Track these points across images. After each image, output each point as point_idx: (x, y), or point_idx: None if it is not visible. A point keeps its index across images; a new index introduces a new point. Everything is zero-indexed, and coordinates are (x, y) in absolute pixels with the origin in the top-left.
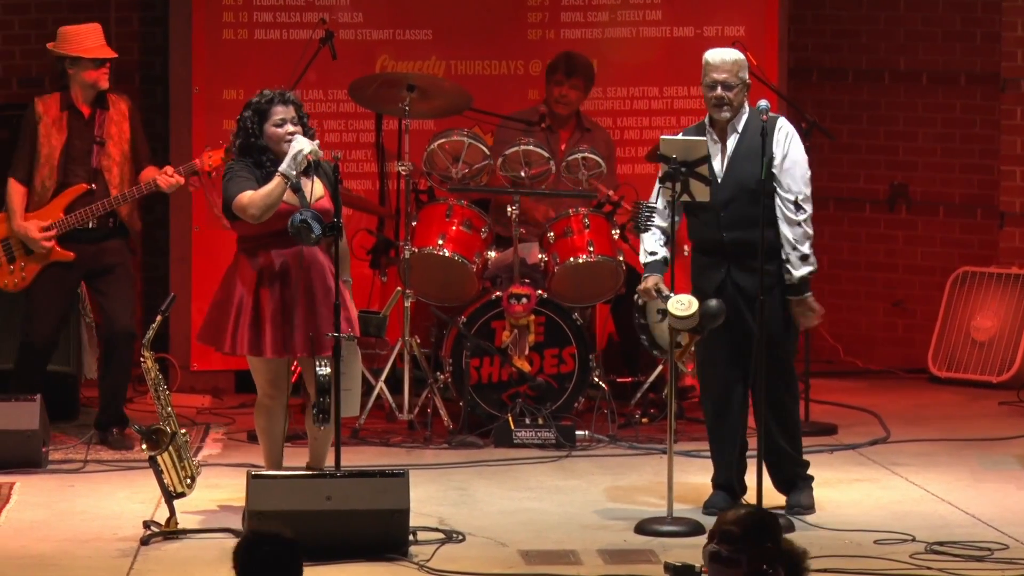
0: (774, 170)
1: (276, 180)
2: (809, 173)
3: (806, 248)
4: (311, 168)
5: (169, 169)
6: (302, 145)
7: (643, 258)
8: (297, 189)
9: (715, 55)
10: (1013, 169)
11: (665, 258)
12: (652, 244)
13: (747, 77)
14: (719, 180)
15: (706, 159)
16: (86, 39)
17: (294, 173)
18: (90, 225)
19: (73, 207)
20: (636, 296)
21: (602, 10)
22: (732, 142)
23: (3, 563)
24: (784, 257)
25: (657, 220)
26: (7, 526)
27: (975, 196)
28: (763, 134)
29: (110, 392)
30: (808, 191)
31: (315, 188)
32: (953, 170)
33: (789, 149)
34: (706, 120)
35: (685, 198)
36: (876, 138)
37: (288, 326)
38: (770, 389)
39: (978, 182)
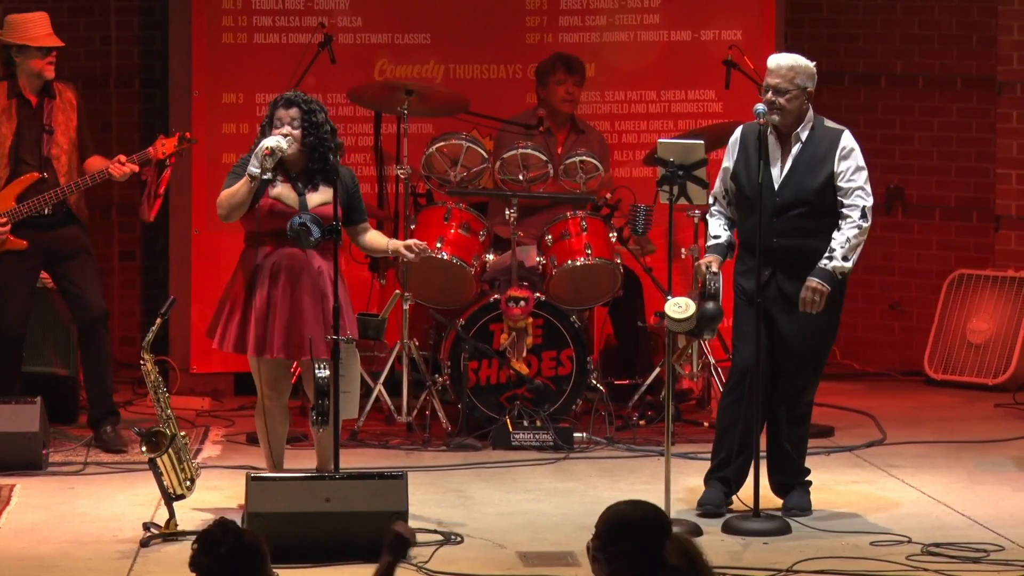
0: (838, 183)
1: (243, 180)
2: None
3: (856, 252)
4: (313, 181)
5: (122, 157)
6: (264, 142)
7: (708, 241)
8: (299, 194)
9: (773, 59)
10: (1009, 172)
11: (729, 241)
12: (716, 228)
13: (807, 84)
14: (775, 187)
15: (704, 162)
16: (33, 28)
17: (257, 171)
18: (45, 212)
19: (25, 196)
20: (698, 266)
21: (600, 14)
22: (795, 151)
23: (3, 565)
24: (833, 248)
25: (719, 207)
26: (7, 528)
27: (971, 199)
28: (760, 138)
29: (96, 383)
30: (871, 202)
31: (320, 197)
32: (949, 173)
33: (853, 164)
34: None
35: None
36: (873, 141)
37: (270, 326)
38: (794, 396)
39: (974, 185)
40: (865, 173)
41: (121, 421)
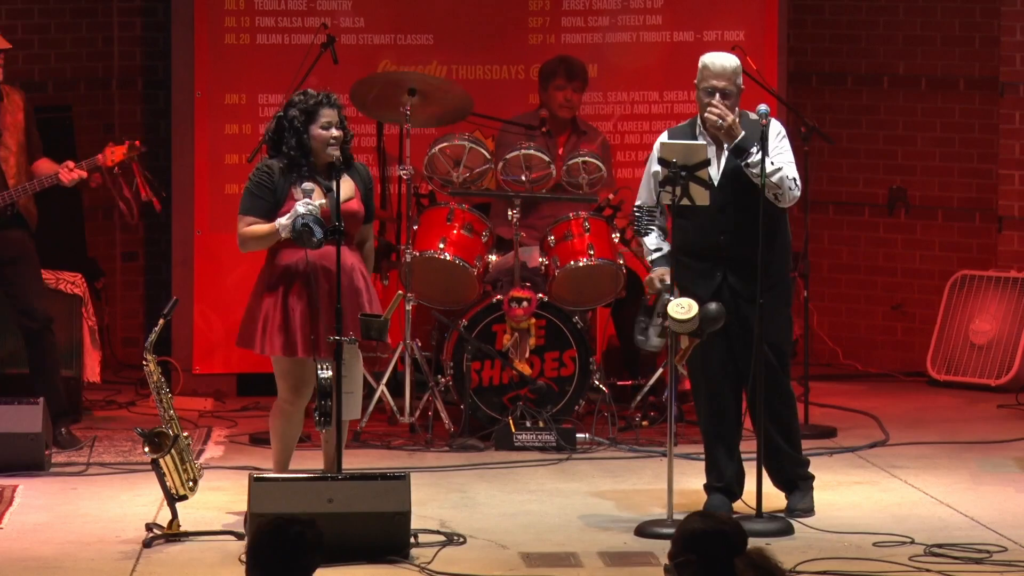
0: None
1: (271, 227)
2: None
3: (781, 183)
4: (337, 176)
5: (70, 163)
6: (301, 210)
7: (649, 256)
8: (328, 190)
9: (715, 62)
10: (1011, 173)
11: (670, 251)
12: (656, 241)
13: (742, 84)
14: (715, 184)
15: (706, 163)
16: None
17: (286, 229)
18: None
19: None
20: (645, 295)
21: (603, 15)
22: (729, 147)
23: (6, 566)
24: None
25: (655, 221)
26: (10, 528)
27: (974, 200)
28: (763, 139)
29: (46, 386)
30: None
31: (344, 190)
32: (952, 174)
33: (781, 146)
34: (697, 120)
35: (685, 202)
36: (875, 142)
37: (315, 327)
38: (771, 392)
39: (977, 186)
40: (790, 152)
41: (78, 421)
